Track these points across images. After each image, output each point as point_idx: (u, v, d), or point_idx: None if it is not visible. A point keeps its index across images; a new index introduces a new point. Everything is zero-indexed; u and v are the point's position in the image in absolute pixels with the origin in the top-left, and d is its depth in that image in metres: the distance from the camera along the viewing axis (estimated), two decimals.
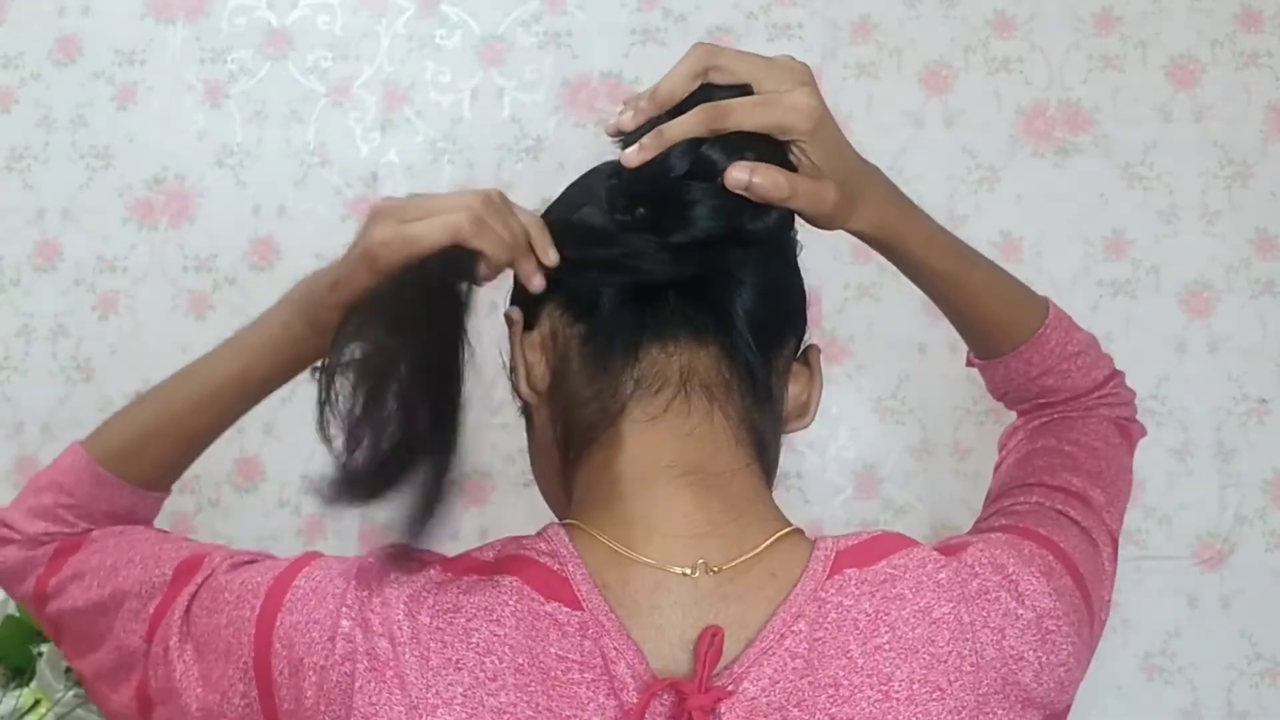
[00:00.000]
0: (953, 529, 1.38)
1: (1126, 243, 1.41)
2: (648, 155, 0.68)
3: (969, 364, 0.94)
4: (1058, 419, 0.88)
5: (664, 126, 0.67)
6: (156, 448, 0.80)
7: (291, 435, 1.47)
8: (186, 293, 1.51)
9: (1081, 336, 0.88)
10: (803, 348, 0.78)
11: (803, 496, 1.37)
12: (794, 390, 0.76)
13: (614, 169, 0.71)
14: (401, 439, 0.63)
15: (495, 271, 0.70)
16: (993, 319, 0.85)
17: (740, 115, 0.67)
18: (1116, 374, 0.90)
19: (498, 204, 0.69)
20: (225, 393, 0.78)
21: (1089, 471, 0.82)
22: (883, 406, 1.42)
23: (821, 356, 0.79)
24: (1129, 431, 0.89)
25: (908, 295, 1.42)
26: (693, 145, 0.67)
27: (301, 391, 1.60)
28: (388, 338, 0.65)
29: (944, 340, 1.41)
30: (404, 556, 0.66)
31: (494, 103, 1.51)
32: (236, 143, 1.53)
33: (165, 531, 0.81)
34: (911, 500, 1.40)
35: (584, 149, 1.45)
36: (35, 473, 0.83)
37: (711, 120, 0.67)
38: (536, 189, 1.48)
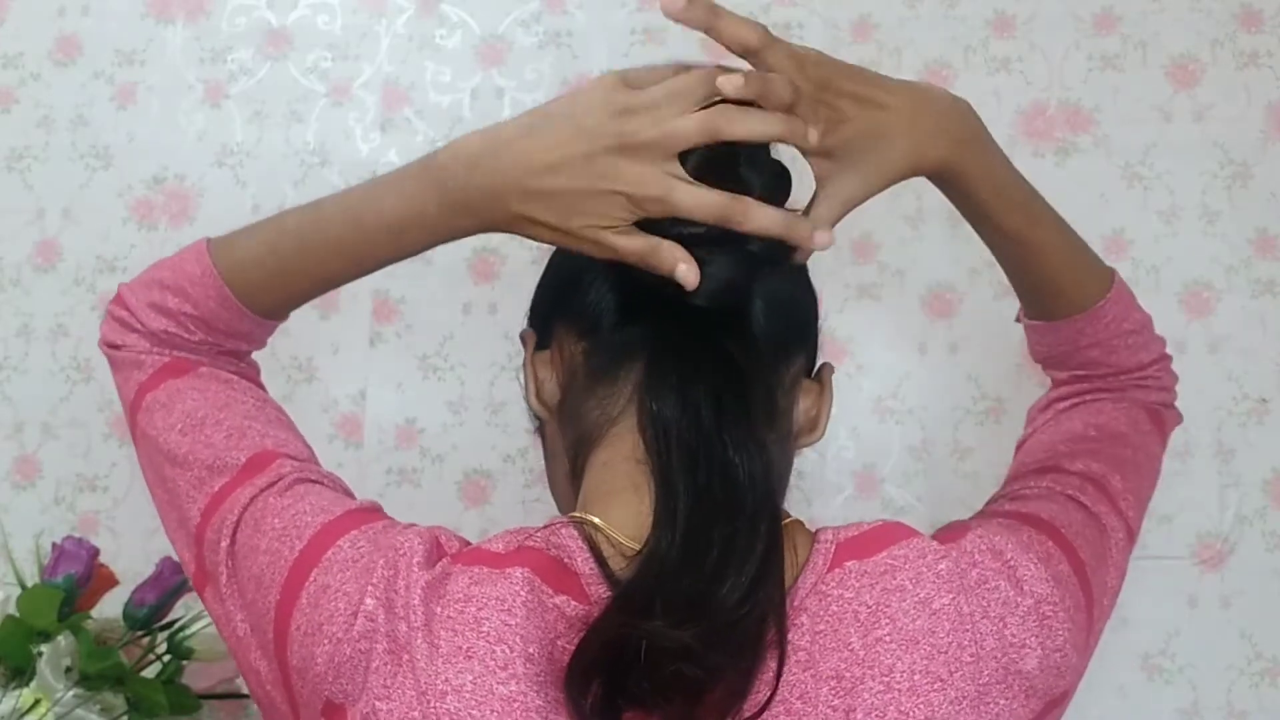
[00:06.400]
0: None
1: (1126, 243, 1.41)
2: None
3: (1018, 320, 0.93)
4: (1089, 401, 0.87)
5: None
6: (287, 285, 0.79)
7: None
8: None
9: (1139, 316, 0.87)
10: (818, 365, 0.78)
11: (803, 496, 1.37)
12: (804, 405, 0.76)
13: None
14: None
15: None
16: (1053, 283, 0.83)
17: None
18: (1165, 358, 0.89)
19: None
20: (375, 252, 0.75)
21: (1111, 457, 0.82)
22: (883, 406, 1.42)
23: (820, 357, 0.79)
24: (1162, 419, 0.89)
25: (908, 295, 1.43)
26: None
27: (301, 391, 1.60)
28: None
29: (944, 340, 1.41)
30: (433, 544, 0.67)
31: (494, 103, 1.51)
32: (236, 143, 1.53)
33: (265, 398, 0.81)
34: (911, 500, 1.40)
35: None
36: (158, 264, 0.82)
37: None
38: None
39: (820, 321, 0.79)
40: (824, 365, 0.79)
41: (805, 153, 0.71)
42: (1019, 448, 0.89)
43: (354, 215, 0.74)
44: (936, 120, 0.73)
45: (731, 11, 0.69)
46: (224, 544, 0.71)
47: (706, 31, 0.68)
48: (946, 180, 0.76)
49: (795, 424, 0.76)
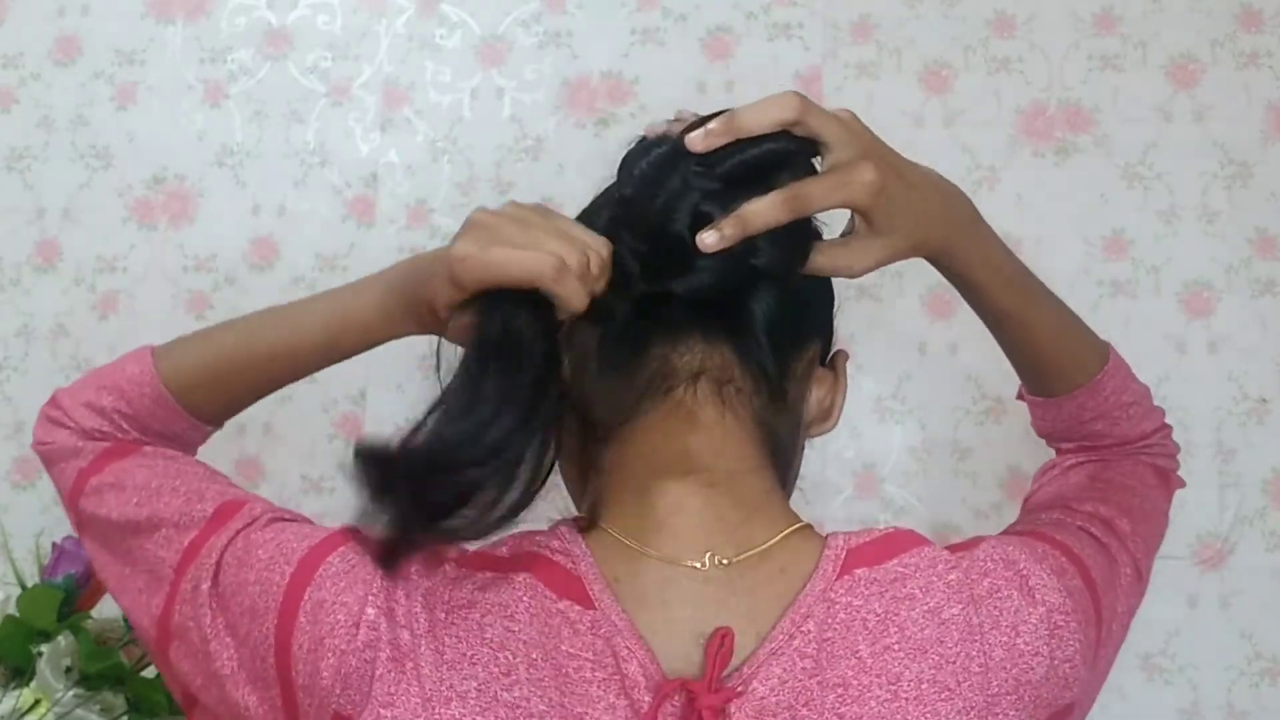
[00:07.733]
0: (953, 529, 1.38)
1: (1126, 243, 1.41)
2: (715, 142, 0.67)
3: (1019, 398, 0.94)
4: (1095, 460, 0.87)
5: (746, 212, 0.66)
6: (225, 387, 0.80)
7: (292, 435, 1.47)
8: (186, 293, 1.51)
9: (1137, 387, 0.88)
10: (831, 352, 0.78)
11: (803, 497, 1.36)
12: (817, 394, 0.76)
13: (617, 198, 0.72)
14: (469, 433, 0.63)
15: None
16: (1052, 360, 0.84)
17: (819, 200, 0.68)
18: (1165, 427, 0.90)
19: (589, 266, 0.67)
20: (309, 355, 0.80)
21: (1119, 504, 0.82)
22: (883, 406, 1.42)
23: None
24: (1168, 479, 0.90)
25: (908, 295, 1.43)
26: (689, 199, 0.68)
27: (301, 391, 1.60)
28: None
29: (944, 340, 1.41)
30: (431, 550, 0.67)
31: (494, 103, 1.51)
32: (236, 143, 1.53)
33: (213, 469, 0.80)
34: (911, 500, 1.40)
35: (584, 149, 1.45)
36: (98, 369, 0.83)
37: (796, 209, 0.67)
38: (536, 189, 1.49)
39: (836, 310, 0.78)
40: (838, 353, 0.78)
41: (854, 209, 0.70)
42: (1025, 502, 0.90)
43: (302, 324, 0.79)
44: (943, 201, 0.74)
45: (751, 106, 0.68)
46: (205, 586, 0.69)
47: (741, 135, 0.68)
48: (947, 260, 0.76)
49: (808, 413, 0.76)
